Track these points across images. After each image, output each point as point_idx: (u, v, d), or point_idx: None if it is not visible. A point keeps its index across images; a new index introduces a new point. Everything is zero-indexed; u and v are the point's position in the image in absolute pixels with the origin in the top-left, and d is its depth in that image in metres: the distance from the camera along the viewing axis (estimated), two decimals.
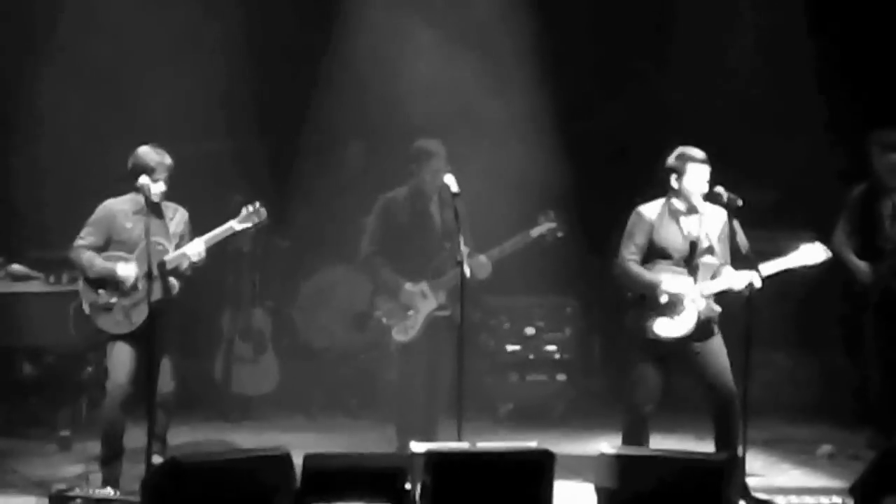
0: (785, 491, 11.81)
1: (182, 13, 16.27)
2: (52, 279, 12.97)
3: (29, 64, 16.17)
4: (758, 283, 11.46)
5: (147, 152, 11.74)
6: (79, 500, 11.15)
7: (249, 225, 11.96)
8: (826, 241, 12.93)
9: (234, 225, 11.84)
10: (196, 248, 11.66)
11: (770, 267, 11.53)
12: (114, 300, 11.62)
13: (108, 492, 11.32)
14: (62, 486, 11.45)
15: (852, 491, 11.14)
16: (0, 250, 13.62)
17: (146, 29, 16.30)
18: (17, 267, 13.14)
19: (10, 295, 12.93)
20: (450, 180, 11.90)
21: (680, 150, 11.66)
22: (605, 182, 16.32)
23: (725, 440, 11.53)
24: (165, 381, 11.60)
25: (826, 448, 13.45)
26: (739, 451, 11.46)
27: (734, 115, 16.33)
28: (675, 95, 16.71)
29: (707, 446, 12.03)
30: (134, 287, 11.58)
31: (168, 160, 11.76)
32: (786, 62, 16.62)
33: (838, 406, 14.65)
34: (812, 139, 16.41)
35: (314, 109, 16.64)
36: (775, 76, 16.83)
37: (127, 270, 11.55)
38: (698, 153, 11.62)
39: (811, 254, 11.66)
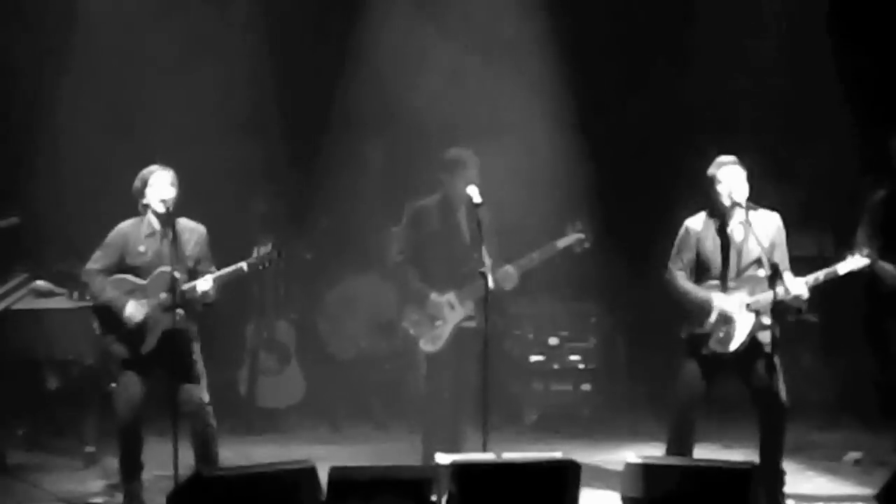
0: (810, 499, 11.85)
1: (200, 19, 16.28)
2: (75, 295, 12.94)
3: (49, 75, 16.15)
4: (805, 294, 11.47)
5: (148, 170, 11.69)
6: None
7: (259, 266, 11.86)
8: (847, 243, 13.00)
9: (244, 266, 11.72)
10: (203, 287, 11.56)
11: (817, 276, 11.53)
12: (123, 328, 11.60)
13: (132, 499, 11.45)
14: (90, 501, 11.58)
15: (878, 498, 11.13)
16: (25, 265, 13.60)
17: (165, 35, 16.24)
18: (41, 283, 13.12)
19: (36, 311, 12.90)
20: (472, 191, 11.91)
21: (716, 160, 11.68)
22: (628, 185, 16.36)
23: (771, 453, 11.52)
24: (194, 407, 11.57)
25: (853, 454, 13.42)
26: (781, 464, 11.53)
27: (756, 114, 16.33)
28: (696, 95, 16.59)
29: (733, 454, 12.15)
30: (138, 327, 11.54)
31: (170, 174, 11.67)
32: (808, 62, 16.52)
33: (864, 410, 14.58)
34: (835, 140, 16.37)
35: (336, 112, 16.57)
36: (798, 76, 16.70)
37: (134, 314, 11.50)
38: (729, 157, 11.62)
39: (855, 263, 11.64)
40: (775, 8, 16.84)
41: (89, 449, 13.17)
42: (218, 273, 11.65)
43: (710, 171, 11.60)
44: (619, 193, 16.36)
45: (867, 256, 11.79)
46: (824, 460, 13.27)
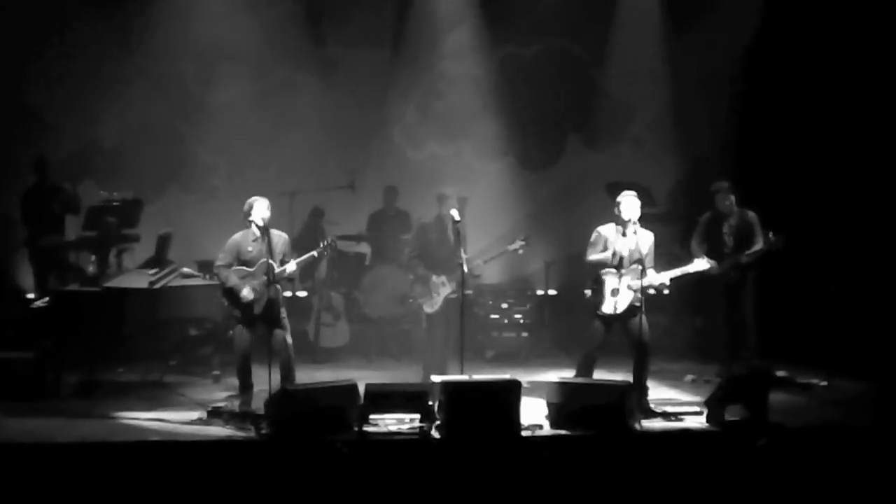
0: (663, 402, 11.85)
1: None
2: (207, 277, 12.89)
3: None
4: (666, 283, 11.89)
5: (253, 198, 11.72)
6: (226, 413, 11.32)
7: (325, 254, 12.08)
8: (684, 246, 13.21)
9: (314, 254, 11.90)
10: (290, 269, 11.69)
11: (673, 273, 11.84)
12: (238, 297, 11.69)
13: (244, 405, 11.57)
14: (216, 405, 11.68)
15: (706, 403, 11.36)
16: (176, 259, 13.56)
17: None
18: (186, 269, 13.06)
19: (183, 287, 12.84)
20: (454, 213, 12.11)
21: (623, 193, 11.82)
22: (560, 211, 16.20)
23: (639, 376, 11.67)
24: (281, 346, 11.64)
25: (690, 376, 13.49)
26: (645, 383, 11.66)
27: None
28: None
29: (617, 377, 12.16)
30: (248, 303, 11.66)
31: (265, 203, 11.68)
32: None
33: (698, 351, 14.55)
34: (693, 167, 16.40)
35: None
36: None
37: (247, 295, 11.60)
38: (630, 191, 11.83)
39: (699, 265, 11.95)
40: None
41: (216, 372, 13.24)
42: (298, 259, 11.76)
43: (618, 198, 11.76)
44: (551, 222, 16.28)
45: (707, 262, 12.11)
46: (672, 380, 13.26)
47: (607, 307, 11.74)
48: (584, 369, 11.88)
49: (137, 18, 15.68)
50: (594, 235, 11.87)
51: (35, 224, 14.27)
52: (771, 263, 13.37)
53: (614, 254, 11.73)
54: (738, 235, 13.37)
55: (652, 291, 11.88)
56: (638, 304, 11.69)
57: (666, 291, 12.02)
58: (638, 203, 11.76)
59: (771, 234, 13.01)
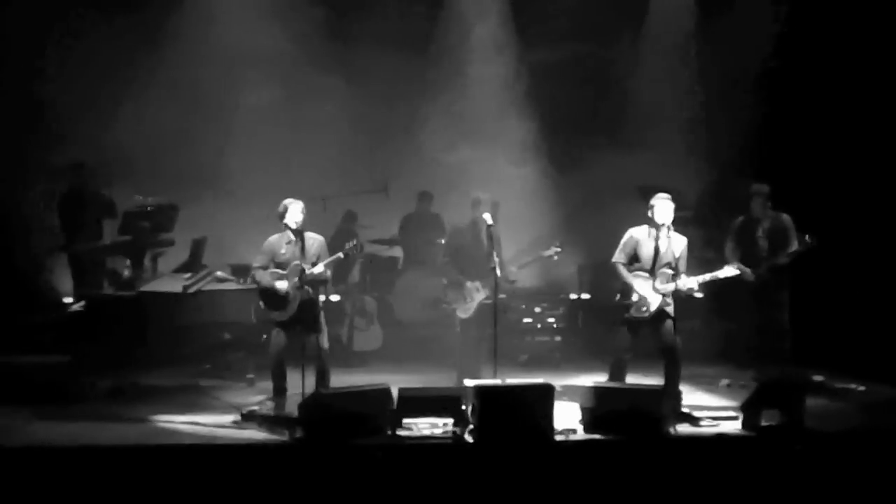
0: (698, 408, 11.75)
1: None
2: (241, 281, 12.98)
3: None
4: (695, 288, 11.75)
5: (287, 202, 11.81)
6: (260, 416, 11.29)
7: (353, 254, 12.11)
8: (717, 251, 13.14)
9: (340, 255, 11.92)
10: (318, 270, 11.73)
11: (703, 278, 11.76)
12: (272, 301, 11.79)
13: (278, 409, 11.55)
14: (250, 408, 11.64)
15: (742, 407, 11.30)
16: (210, 263, 13.63)
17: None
18: (220, 274, 13.12)
19: (218, 291, 12.91)
20: (487, 217, 12.09)
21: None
22: (593, 218, 15.99)
23: (670, 381, 11.61)
24: (316, 350, 11.67)
25: (725, 381, 13.47)
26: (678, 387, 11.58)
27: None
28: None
29: (651, 381, 12.03)
30: (285, 296, 11.73)
31: (299, 205, 11.79)
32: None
33: (732, 355, 14.42)
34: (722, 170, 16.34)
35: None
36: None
37: (282, 287, 11.69)
38: (664, 194, 11.78)
39: (729, 271, 11.89)
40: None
41: (250, 376, 13.28)
42: (327, 260, 11.79)
43: (651, 201, 11.73)
44: (582, 226, 16.17)
45: (737, 268, 12.10)
46: (706, 385, 13.25)
47: (636, 311, 11.71)
48: (616, 374, 11.86)
49: (166, 24, 15.70)
50: (625, 237, 11.85)
51: (72, 229, 14.33)
52: (805, 267, 13.31)
53: (644, 256, 11.71)
54: (772, 239, 13.31)
55: (683, 296, 11.83)
56: (668, 308, 11.66)
57: (699, 295, 11.93)
58: (672, 206, 11.72)
59: (807, 237, 12.96)
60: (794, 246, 13.12)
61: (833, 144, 15.22)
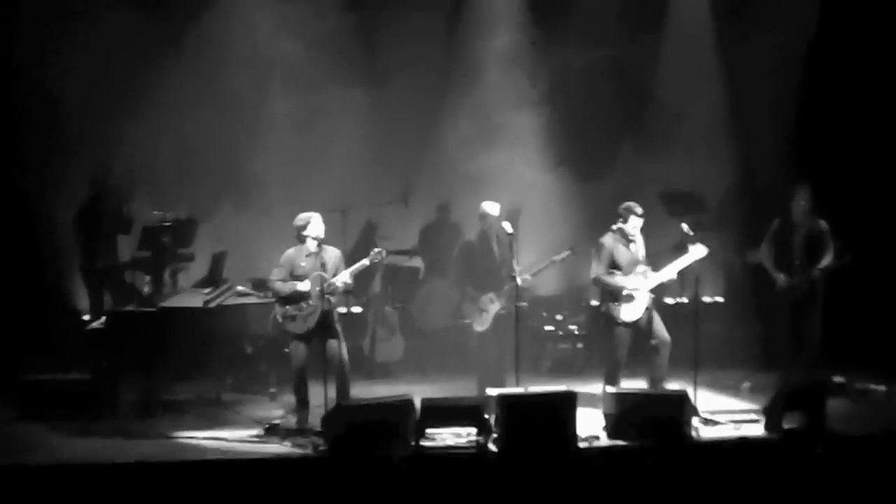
0: (721, 412, 11.79)
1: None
2: (261, 295, 13.00)
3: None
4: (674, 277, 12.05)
5: (305, 217, 11.90)
6: (283, 430, 11.45)
7: (377, 261, 12.12)
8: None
9: (366, 262, 11.96)
10: (342, 279, 11.79)
11: (675, 266, 11.98)
12: (295, 312, 11.86)
13: (300, 422, 11.65)
14: (274, 421, 11.76)
15: (764, 411, 11.35)
16: (230, 278, 13.67)
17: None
18: (241, 288, 13.19)
19: (239, 305, 12.96)
20: (506, 225, 12.16)
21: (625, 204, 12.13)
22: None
23: (659, 373, 11.88)
24: (337, 361, 11.73)
25: (747, 384, 13.47)
26: (690, 390, 11.49)
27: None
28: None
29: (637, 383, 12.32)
30: (309, 298, 11.76)
31: (318, 218, 11.89)
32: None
33: (754, 359, 14.31)
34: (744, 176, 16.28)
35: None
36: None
37: (305, 286, 11.75)
38: (636, 206, 12.15)
39: (699, 251, 11.90)
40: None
41: (272, 390, 13.27)
42: (352, 268, 11.86)
43: (623, 207, 12.20)
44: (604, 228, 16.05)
45: (705, 248, 11.95)
46: (729, 388, 13.27)
47: (626, 315, 11.92)
48: (612, 378, 12.02)
49: (188, 33, 15.68)
50: (596, 247, 12.17)
51: (89, 245, 14.40)
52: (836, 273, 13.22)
53: (621, 262, 12.03)
54: (808, 246, 13.11)
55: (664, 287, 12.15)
56: (650, 304, 11.95)
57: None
58: (638, 213, 12.08)
59: (845, 253, 12.91)
60: (829, 258, 12.95)
61: (864, 146, 15.20)
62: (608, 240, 12.10)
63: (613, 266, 12.07)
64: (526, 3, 16.53)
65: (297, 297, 11.80)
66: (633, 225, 12.07)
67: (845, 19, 15.47)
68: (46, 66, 15.19)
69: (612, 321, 12.01)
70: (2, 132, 15.10)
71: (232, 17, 15.79)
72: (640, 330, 12.02)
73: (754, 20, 16.13)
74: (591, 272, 12.16)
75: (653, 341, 11.97)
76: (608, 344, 12.15)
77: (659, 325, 11.97)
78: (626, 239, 12.09)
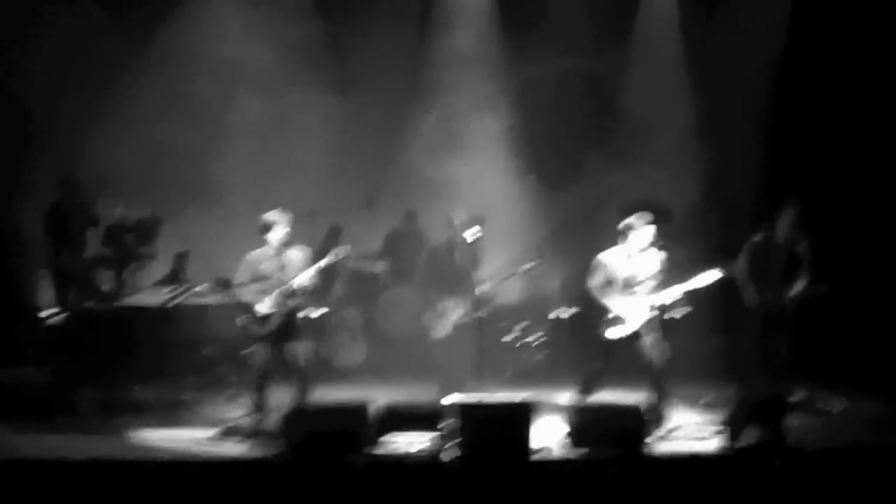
0: (680, 426, 11.85)
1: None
2: (223, 295, 12.88)
3: None
4: (679, 299, 11.78)
5: (269, 215, 11.82)
6: (240, 431, 11.45)
7: (340, 258, 12.04)
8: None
9: (324, 262, 11.87)
10: (301, 280, 11.74)
11: (683, 288, 11.75)
12: (254, 316, 11.78)
13: (258, 424, 11.61)
14: (231, 423, 11.75)
15: (723, 424, 11.35)
16: (193, 277, 13.65)
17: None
18: (201, 288, 13.11)
19: (199, 306, 13.03)
20: (467, 234, 12.18)
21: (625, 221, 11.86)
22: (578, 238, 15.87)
23: (653, 399, 11.73)
24: (297, 364, 11.73)
25: (704, 398, 13.36)
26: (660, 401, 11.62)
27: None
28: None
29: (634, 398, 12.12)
30: (264, 318, 11.71)
31: (284, 218, 11.81)
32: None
33: (715, 369, 14.27)
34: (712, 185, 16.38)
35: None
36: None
37: (261, 308, 11.68)
38: (641, 214, 11.87)
39: (712, 275, 11.77)
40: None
41: (231, 391, 13.27)
42: (310, 269, 11.77)
43: (625, 221, 11.87)
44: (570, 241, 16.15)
45: (720, 272, 11.84)
46: (688, 402, 13.11)
47: (609, 332, 11.83)
48: (589, 386, 11.98)
49: (155, 35, 15.72)
50: (593, 263, 11.93)
51: (58, 243, 14.35)
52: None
53: (619, 278, 11.80)
54: (787, 265, 13.08)
55: (668, 312, 11.87)
56: (647, 325, 11.75)
57: (684, 310, 11.96)
58: (648, 226, 11.81)
59: (818, 285, 12.90)
60: (803, 284, 12.97)
61: (835, 156, 15.33)
62: (607, 256, 11.90)
63: (611, 283, 11.91)
64: (495, 11, 16.56)
65: (245, 305, 11.76)
66: (635, 241, 11.82)
67: (816, 27, 15.63)
68: (12, 68, 15.23)
69: (599, 336, 11.92)
70: None
71: (200, 21, 15.88)
72: (631, 351, 11.86)
73: (723, 28, 16.24)
74: (587, 283, 12.03)
75: (641, 361, 11.83)
76: (588, 352, 12.07)
77: (648, 348, 11.75)
78: (629, 256, 11.90)
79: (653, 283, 11.79)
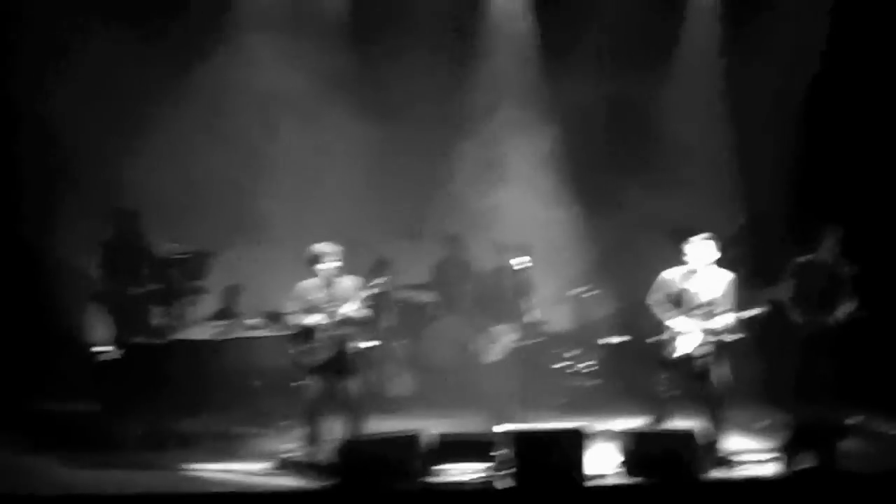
0: (739, 452, 11.80)
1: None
2: (273, 328, 13.08)
3: None
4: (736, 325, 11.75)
5: (318, 247, 11.89)
6: (293, 464, 11.47)
7: (382, 287, 12.13)
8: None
9: (375, 288, 11.96)
10: (349, 308, 11.79)
11: (740, 315, 11.75)
12: (307, 345, 11.82)
13: (312, 456, 11.59)
14: (284, 455, 11.76)
15: (777, 450, 11.30)
16: (243, 310, 13.68)
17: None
18: (251, 321, 13.30)
19: (250, 338, 13.11)
20: (516, 262, 12.19)
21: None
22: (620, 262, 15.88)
23: (712, 424, 11.66)
24: (350, 395, 11.77)
25: (763, 422, 13.27)
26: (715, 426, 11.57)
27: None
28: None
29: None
30: (317, 331, 11.75)
31: (334, 249, 11.86)
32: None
33: (767, 394, 14.02)
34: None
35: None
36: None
37: (312, 320, 11.75)
38: (702, 235, 11.86)
39: (754, 310, 11.82)
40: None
41: (284, 423, 13.25)
42: (359, 298, 11.83)
43: (688, 241, 11.89)
44: (616, 268, 16.05)
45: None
46: (742, 427, 12.88)
47: (674, 352, 11.74)
48: (658, 415, 11.95)
49: (197, 68, 15.76)
50: (657, 280, 11.91)
51: (111, 277, 14.43)
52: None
53: (680, 297, 11.73)
54: (829, 289, 13.07)
55: (726, 336, 11.83)
56: (709, 348, 11.71)
57: (738, 335, 11.93)
58: (709, 246, 11.80)
59: (860, 309, 12.89)
60: (845, 310, 12.97)
61: (876, 181, 15.29)
62: (670, 272, 11.90)
63: (673, 301, 11.89)
64: (534, 36, 16.57)
65: (305, 332, 11.78)
66: (692, 261, 11.83)
67: (852, 51, 15.55)
68: (49, 99, 15.24)
69: (660, 357, 11.90)
70: (3, 164, 15.17)
71: (238, 52, 15.88)
72: (689, 371, 11.83)
73: (760, 53, 16.16)
74: (647, 299, 12.02)
75: (701, 389, 11.78)
76: (654, 381, 12.04)
77: (707, 373, 11.73)
78: (690, 273, 11.88)
79: (717, 306, 11.76)
